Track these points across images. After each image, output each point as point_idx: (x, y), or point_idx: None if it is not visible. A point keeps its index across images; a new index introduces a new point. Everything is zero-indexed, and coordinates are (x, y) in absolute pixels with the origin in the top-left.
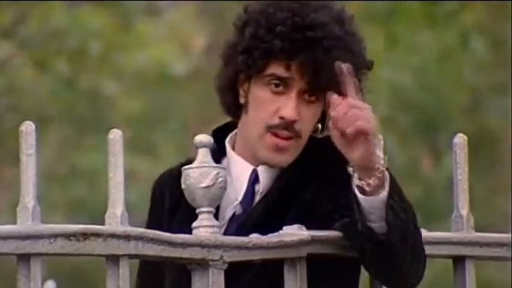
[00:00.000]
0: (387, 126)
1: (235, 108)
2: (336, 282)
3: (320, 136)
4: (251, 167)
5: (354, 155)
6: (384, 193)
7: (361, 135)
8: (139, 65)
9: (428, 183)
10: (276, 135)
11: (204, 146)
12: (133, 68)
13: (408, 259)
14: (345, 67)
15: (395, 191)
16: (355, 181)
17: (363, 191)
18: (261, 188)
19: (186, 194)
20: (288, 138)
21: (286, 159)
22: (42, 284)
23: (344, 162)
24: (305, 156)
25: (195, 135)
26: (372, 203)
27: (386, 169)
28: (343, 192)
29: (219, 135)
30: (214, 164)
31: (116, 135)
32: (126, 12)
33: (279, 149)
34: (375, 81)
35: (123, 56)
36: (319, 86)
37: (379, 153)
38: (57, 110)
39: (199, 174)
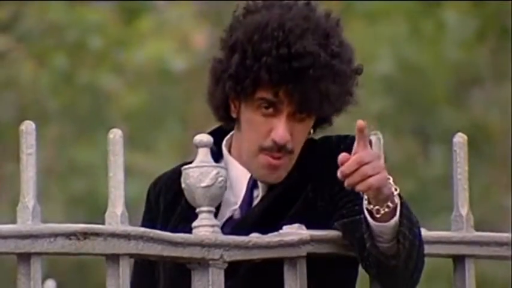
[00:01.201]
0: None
1: (228, 120)
2: (334, 280)
3: (316, 137)
4: (249, 174)
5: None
6: (395, 220)
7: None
8: (139, 61)
9: (420, 177)
10: (269, 155)
11: (204, 145)
12: (133, 63)
13: (411, 273)
14: (364, 124)
15: (405, 215)
16: (365, 204)
17: (372, 216)
18: (260, 193)
19: (186, 193)
20: (281, 158)
21: (279, 175)
22: (42, 283)
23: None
24: (303, 158)
25: (194, 131)
26: (382, 228)
27: (398, 194)
28: (342, 192)
29: (214, 138)
30: (215, 164)
31: (115, 134)
32: (127, 8)
33: (272, 167)
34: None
35: (123, 51)
36: (309, 110)
37: (391, 183)
38: (56, 105)
39: (199, 174)
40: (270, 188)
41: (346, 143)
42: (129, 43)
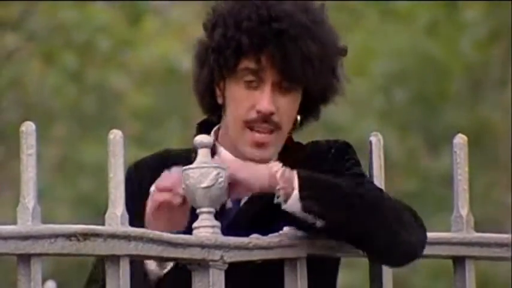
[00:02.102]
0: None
1: (214, 109)
2: (319, 281)
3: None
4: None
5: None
6: (294, 196)
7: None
8: (146, 60)
9: (426, 175)
10: (255, 130)
11: (204, 146)
12: (140, 63)
13: (380, 231)
14: None
15: (310, 188)
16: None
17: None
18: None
19: (186, 194)
20: (268, 132)
21: (268, 153)
22: (43, 284)
23: (338, 161)
24: (295, 162)
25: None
26: (290, 209)
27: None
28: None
29: (202, 130)
30: (215, 164)
31: (116, 135)
32: (134, 8)
33: (259, 144)
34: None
35: (130, 51)
36: (291, 74)
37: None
38: (63, 105)
39: (199, 175)
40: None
41: (336, 147)
42: (135, 43)
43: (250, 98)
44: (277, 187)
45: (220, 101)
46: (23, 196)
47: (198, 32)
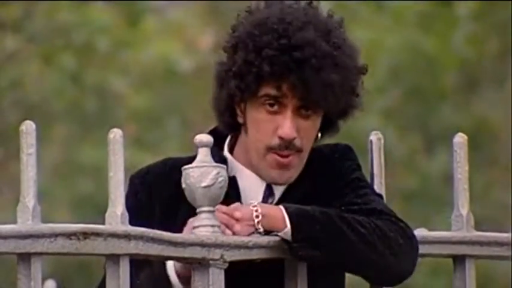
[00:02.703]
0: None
1: (233, 126)
2: (333, 280)
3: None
4: (264, 183)
5: None
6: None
7: None
8: (146, 61)
9: (424, 174)
10: (278, 154)
11: (204, 145)
12: (140, 64)
13: (370, 261)
14: None
15: (302, 228)
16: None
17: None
18: (274, 201)
19: (186, 193)
20: (290, 155)
21: (291, 175)
22: (43, 283)
23: (345, 167)
24: (313, 167)
25: (199, 131)
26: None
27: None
28: (347, 197)
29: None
30: (215, 164)
31: (116, 134)
32: (133, 9)
33: (282, 167)
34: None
35: (129, 52)
36: (312, 102)
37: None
38: (63, 106)
39: (199, 174)
40: (283, 195)
41: (338, 151)
42: (134, 44)
43: (272, 123)
44: (261, 230)
45: (241, 120)
46: (23, 195)
47: (197, 33)
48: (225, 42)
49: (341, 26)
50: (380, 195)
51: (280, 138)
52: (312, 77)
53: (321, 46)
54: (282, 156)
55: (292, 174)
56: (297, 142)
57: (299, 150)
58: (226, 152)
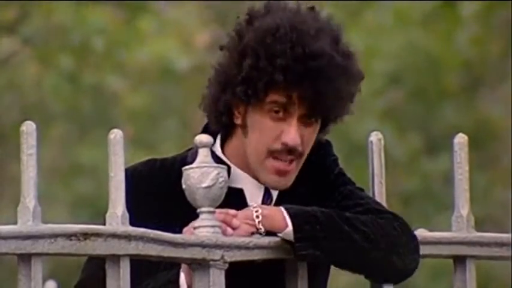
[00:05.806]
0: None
1: (227, 126)
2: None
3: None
4: (262, 186)
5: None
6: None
7: None
8: (142, 61)
9: (425, 175)
10: (277, 158)
11: (204, 146)
12: (137, 64)
13: (373, 261)
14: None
15: (298, 230)
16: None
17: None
18: (272, 203)
19: (186, 194)
20: (290, 161)
21: (288, 181)
22: (43, 283)
23: (329, 162)
24: (304, 165)
25: (197, 131)
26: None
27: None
28: (339, 195)
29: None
30: (215, 164)
31: (116, 135)
32: (130, 8)
33: (281, 173)
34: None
35: (126, 52)
36: (322, 111)
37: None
38: (61, 106)
39: (200, 174)
40: (280, 198)
41: (323, 147)
42: (131, 43)
43: (277, 128)
44: (262, 230)
45: (238, 121)
46: (24, 196)
47: (195, 32)
48: (230, 46)
49: (341, 30)
50: (362, 189)
51: (284, 144)
52: (324, 87)
53: (333, 56)
54: (282, 160)
55: (289, 180)
56: (299, 148)
57: (300, 155)
58: (220, 153)
